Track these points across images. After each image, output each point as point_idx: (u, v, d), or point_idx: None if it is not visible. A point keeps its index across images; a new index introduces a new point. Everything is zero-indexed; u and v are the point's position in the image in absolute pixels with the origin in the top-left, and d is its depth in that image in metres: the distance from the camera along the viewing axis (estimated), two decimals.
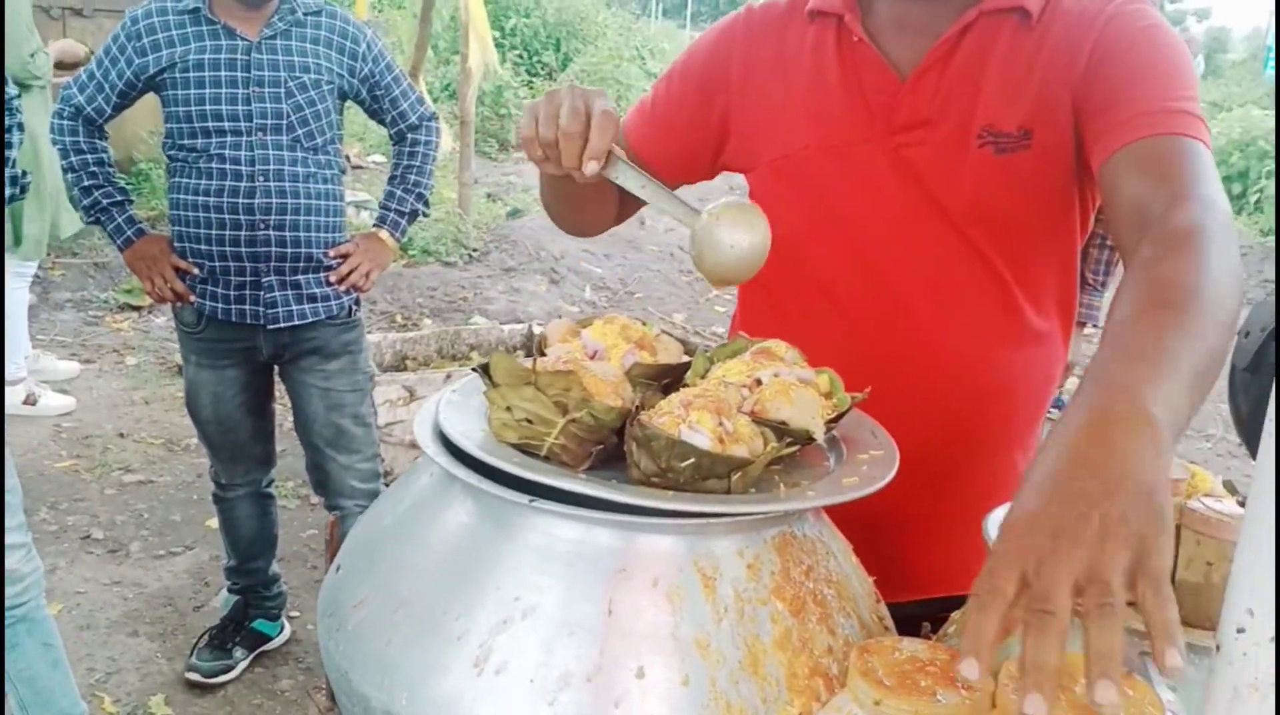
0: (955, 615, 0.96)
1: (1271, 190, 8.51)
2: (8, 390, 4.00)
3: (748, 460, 0.85)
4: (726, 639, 0.80)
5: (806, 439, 0.92)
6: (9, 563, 1.92)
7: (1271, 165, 8.51)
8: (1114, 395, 0.69)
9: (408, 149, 2.62)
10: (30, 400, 4.05)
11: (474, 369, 0.95)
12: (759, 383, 0.95)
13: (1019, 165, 1.12)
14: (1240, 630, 0.66)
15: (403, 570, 0.87)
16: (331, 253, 2.48)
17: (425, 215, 2.75)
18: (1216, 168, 0.99)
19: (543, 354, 1.00)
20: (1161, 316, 0.77)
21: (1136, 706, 0.68)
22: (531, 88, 11.49)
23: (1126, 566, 0.60)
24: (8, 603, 1.95)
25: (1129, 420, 0.67)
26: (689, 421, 0.85)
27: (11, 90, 2.00)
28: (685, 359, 1.06)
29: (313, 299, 2.47)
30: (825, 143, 1.18)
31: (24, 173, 2.01)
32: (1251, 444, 1.63)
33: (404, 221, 2.64)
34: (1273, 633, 0.66)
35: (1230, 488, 1.00)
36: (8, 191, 1.96)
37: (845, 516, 0.97)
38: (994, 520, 0.95)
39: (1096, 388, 0.70)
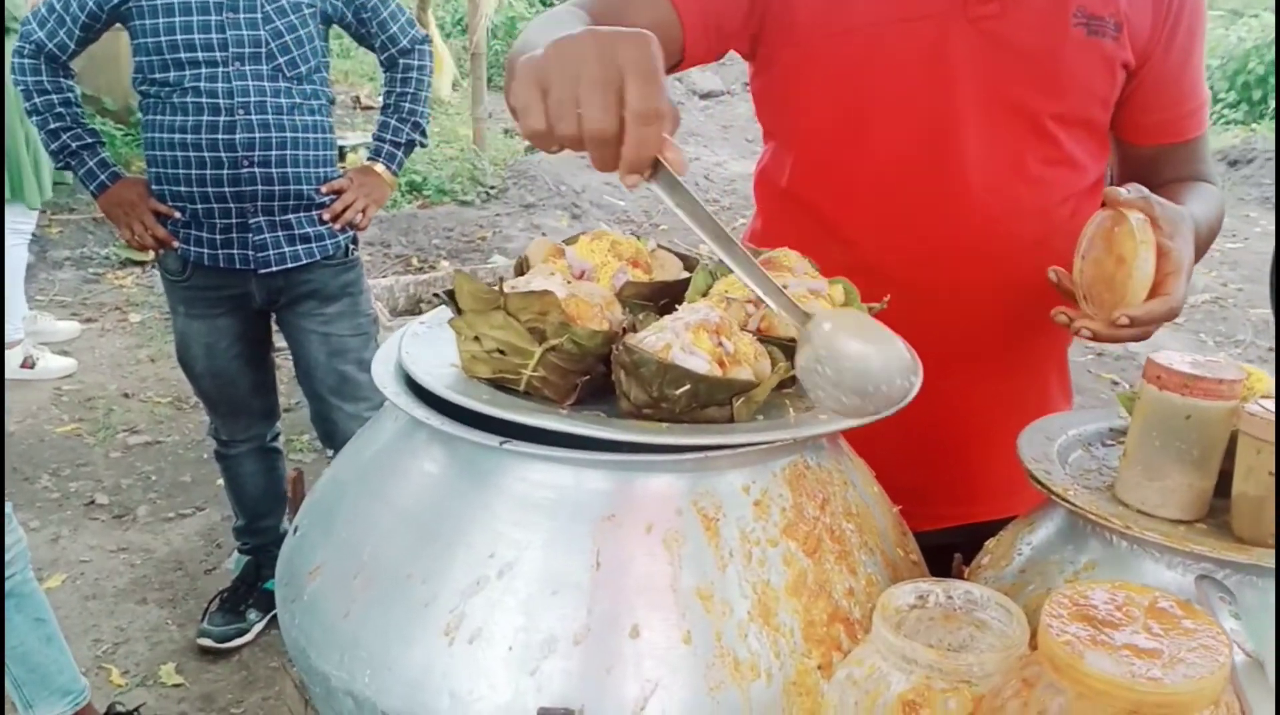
0: (989, 544, 0.85)
1: None
2: (6, 353, 3.92)
3: (752, 383, 0.73)
4: (733, 587, 0.69)
5: None
6: None
7: None
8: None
9: (400, 75, 2.47)
10: (28, 363, 3.94)
11: (436, 295, 0.83)
12: None
13: (1108, 50, 1.13)
14: None
15: (362, 530, 0.77)
16: (324, 189, 2.35)
17: (423, 145, 2.60)
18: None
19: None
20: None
21: (1198, 638, 0.58)
22: None
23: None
24: None
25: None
26: (683, 343, 0.73)
27: None
28: (684, 275, 0.93)
29: (305, 239, 2.35)
30: (897, 15, 1.11)
31: None
32: None
33: (400, 153, 2.51)
34: None
35: None
36: None
37: (864, 436, 0.83)
38: (1026, 439, 0.84)
39: None
